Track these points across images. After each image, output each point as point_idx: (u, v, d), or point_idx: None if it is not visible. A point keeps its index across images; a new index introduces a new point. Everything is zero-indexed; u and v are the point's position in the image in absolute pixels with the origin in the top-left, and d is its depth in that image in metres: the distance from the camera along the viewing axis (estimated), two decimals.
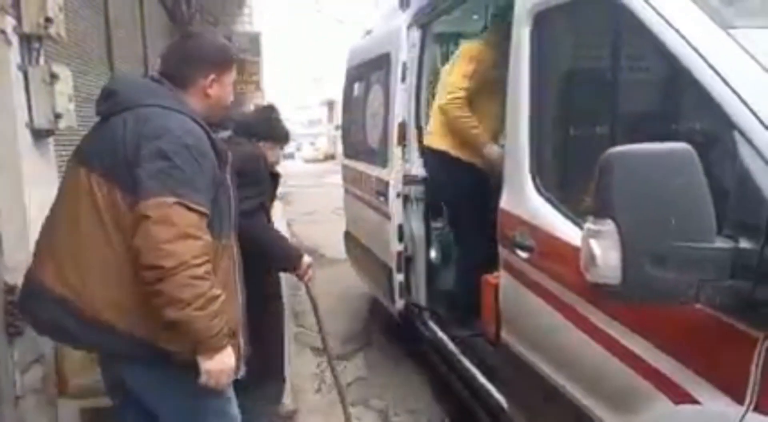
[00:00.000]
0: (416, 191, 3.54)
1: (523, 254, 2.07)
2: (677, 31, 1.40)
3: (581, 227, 1.77)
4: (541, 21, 2.07)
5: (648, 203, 1.15)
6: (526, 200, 2.09)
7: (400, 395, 3.50)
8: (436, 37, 3.92)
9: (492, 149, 3.17)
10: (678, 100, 1.52)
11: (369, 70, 4.19)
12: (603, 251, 1.19)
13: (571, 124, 2.05)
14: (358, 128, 4.43)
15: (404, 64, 3.53)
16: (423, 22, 3.51)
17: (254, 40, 10.74)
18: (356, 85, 4.64)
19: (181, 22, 7.59)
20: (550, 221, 1.93)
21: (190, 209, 1.50)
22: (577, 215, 1.82)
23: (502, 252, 2.28)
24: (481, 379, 2.68)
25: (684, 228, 1.14)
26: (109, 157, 1.58)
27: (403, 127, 3.52)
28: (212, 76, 1.77)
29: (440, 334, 3.29)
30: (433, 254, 3.68)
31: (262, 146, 2.72)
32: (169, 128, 1.56)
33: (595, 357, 1.66)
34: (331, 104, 37.49)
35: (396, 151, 3.52)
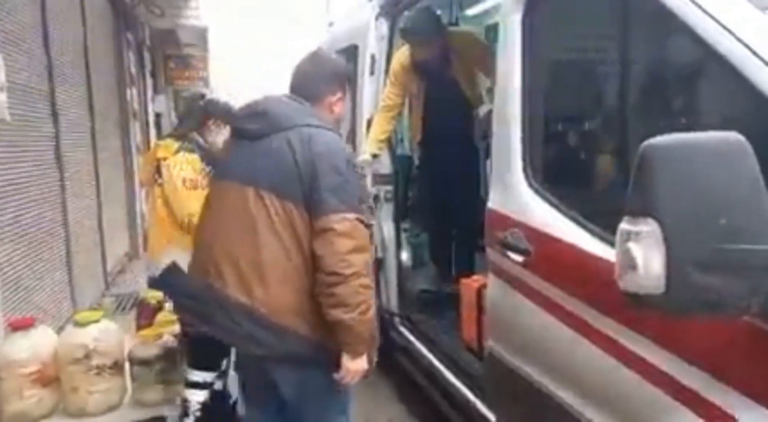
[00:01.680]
0: (385, 191, 3.36)
1: (518, 258, 1.92)
2: (707, 12, 1.27)
3: (585, 228, 1.68)
4: (534, 6, 1.93)
5: (695, 200, 1.01)
6: (517, 198, 1.95)
7: (372, 407, 3.31)
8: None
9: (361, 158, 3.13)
10: (708, 88, 1.39)
11: None
12: (644, 255, 1.04)
13: (569, 115, 1.91)
14: None
15: (372, 57, 3.36)
16: (391, 13, 3.35)
17: (201, 34, 10.29)
18: None
19: (123, 12, 7.15)
20: (547, 221, 1.79)
21: (365, 225, 1.73)
22: (578, 213, 1.69)
23: (491, 255, 2.12)
24: (465, 392, 2.52)
25: (736, 228, 1.00)
26: (279, 174, 1.71)
27: (371, 123, 3.35)
28: (339, 94, 1.90)
29: (416, 343, 3.12)
30: (404, 256, 3.51)
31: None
32: (334, 146, 1.74)
33: (608, 372, 1.51)
34: None
35: (365, 148, 3.33)
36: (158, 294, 3.64)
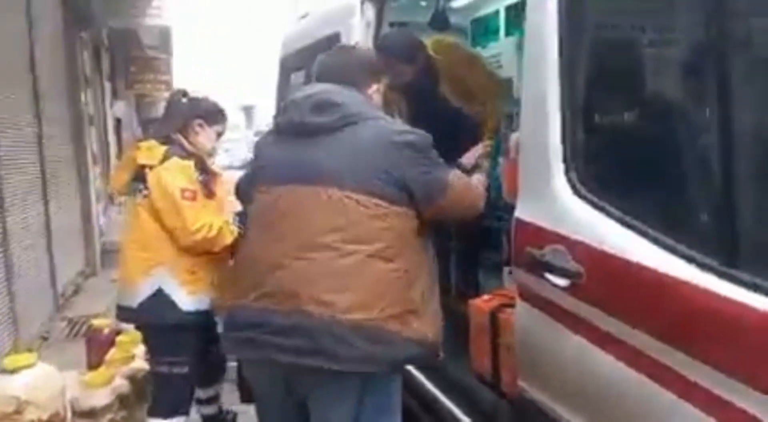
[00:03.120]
0: None
1: (561, 282, 1.52)
2: None
3: (664, 245, 1.30)
4: None
5: None
6: (558, 207, 1.56)
7: None
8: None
9: None
10: None
11: (311, 56, 3.54)
12: None
13: (625, 102, 1.52)
14: None
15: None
16: None
17: (164, 34, 9.77)
18: (294, 77, 3.99)
19: (75, 7, 6.58)
20: (605, 236, 1.40)
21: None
22: (650, 227, 1.31)
23: (521, 277, 1.73)
24: None
25: None
26: (362, 171, 1.59)
27: None
28: (375, 86, 1.82)
29: (412, 370, 2.70)
30: None
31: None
32: (406, 132, 1.69)
33: None
34: (248, 109, 36.20)
35: None
36: (110, 322, 3.17)
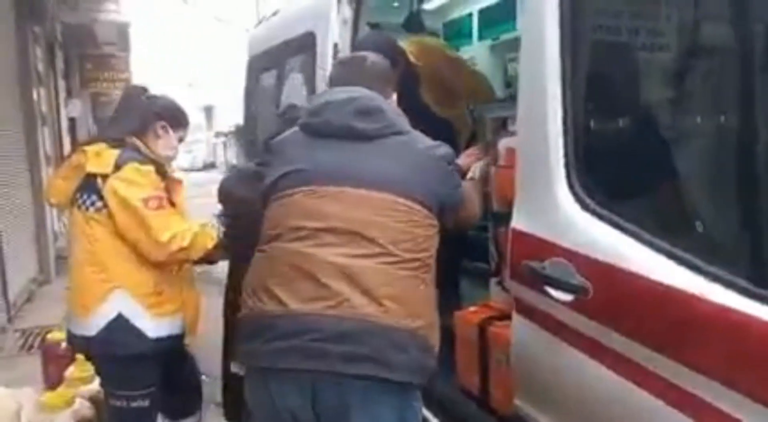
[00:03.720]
0: None
1: (564, 297, 1.45)
2: None
3: (676, 259, 1.24)
4: None
5: None
6: (559, 216, 1.48)
7: None
8: None
9: None
10: None
11: (283, 55, 3.43)
12: None
13: (633, 102, 1.45)
14: (271, 128, 3.62)
15: (335, 46, 2.83)
16: None
17: (122, 31, 9.38)
18: (264, 77, 3.84)
19: (27, 3, 6.24)
20: (613, 248, 1.33)
21: None
22: (664, 239, 1.24)
23: (518, 290, 1.65)
24: None
25: None
26: (412, 181, 1.57)
27: None
28: (393, 96, 1.79)
29: None
30: None
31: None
32: (438, 146, 1.66)
33: None
34: (209, 110, 35.49)
35: None
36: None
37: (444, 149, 1.67)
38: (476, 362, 2.14)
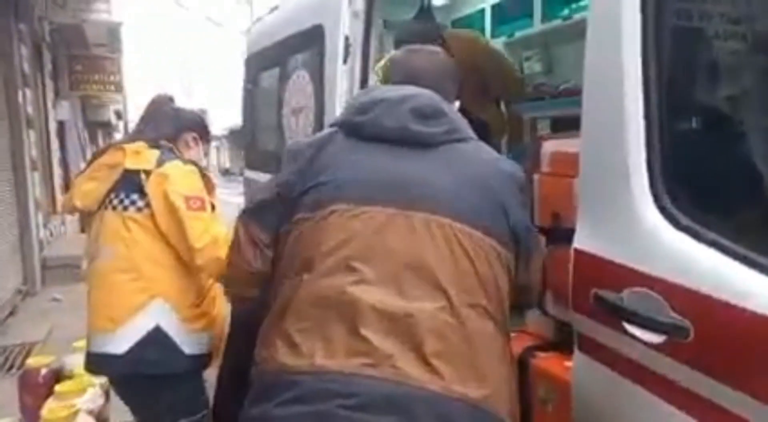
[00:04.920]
0: None
1: (651, 338, 1.17)
2: None
3: None
4: None
5: None
6: (646, 236, 1.20)
7: None
8: None
9: None
10: None
11: (287, 52, 3.16)
12: None
13: (742, 93, 1.18)
14: (272, 129, 3.34)
15: (347, 40, 2.56)
16: None
17: (114, 32, 9.09)
18: (264, 76, 3.57)
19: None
20: (725, 281, 1.06)
21: None
22: None
23: (584, 325, 1.37)
24: None
25: None
26: (478, 202, 1.25)
27: None
28: (458, 102, 1.50)
29: None
30: None
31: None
32: (508, 161, 1.45)
33: None
34: (201, 113, 35.21)
35: None
36: (51, 359, 2.66)
37: (515, 166, 1.38)
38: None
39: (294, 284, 1.22)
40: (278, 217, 1.30)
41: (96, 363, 1.87)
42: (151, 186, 1.82)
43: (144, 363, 1.77)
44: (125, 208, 1.84)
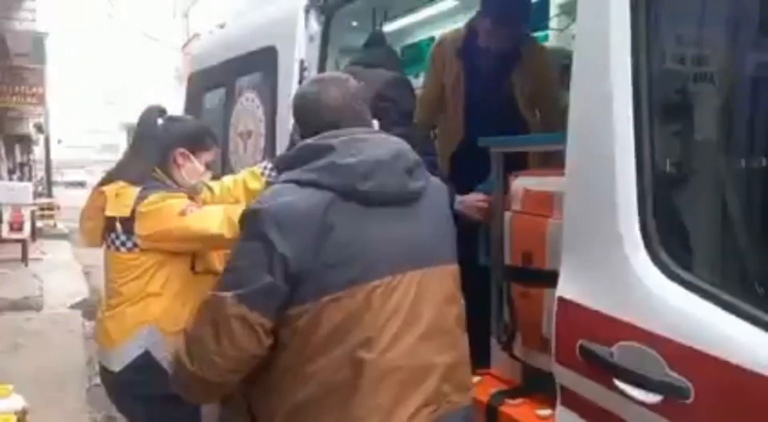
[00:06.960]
0: None
1: (647, 397, 1.10)
2: None
3: None
4: None
5: None
6: (636, 285, 1.14)
7: None
8: None
9: None
10: None
11: (235, 72, 2.99)
12: None
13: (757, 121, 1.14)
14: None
15: (302, 63, 2.45)
16: (328, 6, 2.48)
17: (38, 42, 8.59)
18: (208, 97, 3.37)
19: None
20: (729, 338, 1.00)
21: None
22: None
23: (563, 376, 1.29)
24: None
25: None
26: (450, 242, 1.45)
27: None
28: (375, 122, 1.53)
29: None
30: None
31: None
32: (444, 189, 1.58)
33: None
34: (131, 129, 33.87)
35: None
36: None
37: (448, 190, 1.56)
38: None
39: (349, 362, 1.23)
40: (281, 300, 1.23)
41: (103, 376, 1.99)
42: (139, 228, 1.81)
43: (136, 384, 1.83)
44: (117, 248, 1.86)
